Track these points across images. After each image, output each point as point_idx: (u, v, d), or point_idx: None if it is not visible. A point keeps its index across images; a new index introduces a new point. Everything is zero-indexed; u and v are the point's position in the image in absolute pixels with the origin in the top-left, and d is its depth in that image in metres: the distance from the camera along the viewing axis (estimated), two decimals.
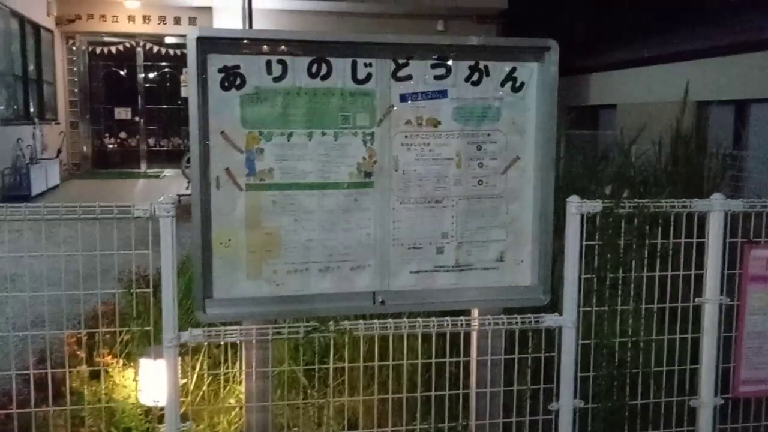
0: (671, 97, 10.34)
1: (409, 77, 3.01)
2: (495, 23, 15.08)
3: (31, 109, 12.97)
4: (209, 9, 14.12)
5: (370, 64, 2.96)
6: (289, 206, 2.97)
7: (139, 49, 14.97)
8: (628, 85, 14.55)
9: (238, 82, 2.85)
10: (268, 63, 2.87)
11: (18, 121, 12.08)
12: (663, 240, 3.29)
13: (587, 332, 3.26)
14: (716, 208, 3.28)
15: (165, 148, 15.48)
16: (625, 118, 13.73)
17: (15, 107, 12.23)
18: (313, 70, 2.91)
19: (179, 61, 15.04)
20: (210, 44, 2.79)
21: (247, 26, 9.23)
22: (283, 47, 2.88)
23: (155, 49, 14.96)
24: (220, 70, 2.83)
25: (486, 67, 3.06)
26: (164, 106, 15.44)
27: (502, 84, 3.09)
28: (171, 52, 15.00)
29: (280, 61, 2.88)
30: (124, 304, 3.87)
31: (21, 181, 11.58)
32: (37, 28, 13.14)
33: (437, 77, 3.03)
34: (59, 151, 13.68)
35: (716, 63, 11.90)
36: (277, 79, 2.89)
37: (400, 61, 2.99)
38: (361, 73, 2.96)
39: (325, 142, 2.97)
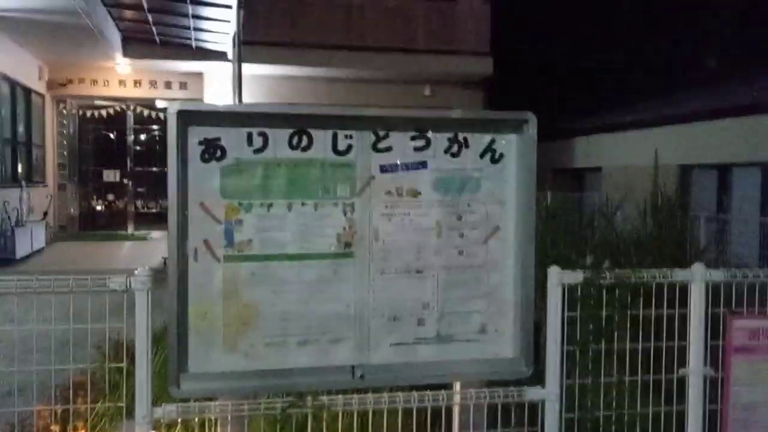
0: (653, 160, 10.51)
1: (389, 149, 3.02)
2: (480, 89, 15.33)
3: (19, 172, 12.97)
4: (200, 74, 14.32)
5: (351, 136, 2.98)
6: (268, 278, 2.94)
7: (129, 113, 15.10)
8: (612, 148, 14.75)
9: (218, 153, 2.86)
10: (249, 135, 2.88)
11: (5, 183, 12.07)
12: (645, 310, 3.27)
13: (571, 405, 3.20)
14: (697, 279, 3.28)
15: (153, 210, 15.49)
16: (610, 180, 13.88)
17: (2, 170, 12.24)
18: (294, 142, 2.93)
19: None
20: (190, 117, 2.80)
21: (236, 93, 9.36)
22: (263, 120, 2.90)
23: (145, 112, 15.11)
24: (200, 143, 2.84)
25: (465, 138, 3.09)
26: (153, 169, 15.50)
27: (482, 155, 3.11)
28: (161, 115, 15.13)
29: (261, 133, 2.89)
30: (99, 376, 3.79)
31: (6, 244, 11.50)
32: (28, 91, 13.26)
33: (417, 149, 3.05)
34: (45, 214, 13.64)
35: (699, 127, 12.10)
36: (257, 151, 2.89)
37: (380, 133, 3.01)
38: (342, 145, 2.98)
39: (305, 212, 2.96)
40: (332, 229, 2.99)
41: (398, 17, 14.35)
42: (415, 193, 3.06)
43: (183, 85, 14.58)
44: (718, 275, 3.31)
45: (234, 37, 11.71)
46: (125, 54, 13.00)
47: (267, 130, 2.90)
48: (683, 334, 3.29)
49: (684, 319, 3.30)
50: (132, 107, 15.03)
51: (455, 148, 3.08)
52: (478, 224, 3.12)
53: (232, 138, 2.87)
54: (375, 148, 3.01)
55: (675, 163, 11.98)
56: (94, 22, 10.49)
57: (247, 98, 10.91)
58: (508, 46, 15.65)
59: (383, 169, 3.03)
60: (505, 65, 14.77)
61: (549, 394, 3.17)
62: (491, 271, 3.15)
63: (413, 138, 3.05)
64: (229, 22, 11.29)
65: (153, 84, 14.56)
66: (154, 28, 12.19)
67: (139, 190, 15.48)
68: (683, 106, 12.80)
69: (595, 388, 3.25)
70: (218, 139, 2.85)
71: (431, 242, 3.08)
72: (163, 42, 12.91)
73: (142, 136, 15.45)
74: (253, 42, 10.95)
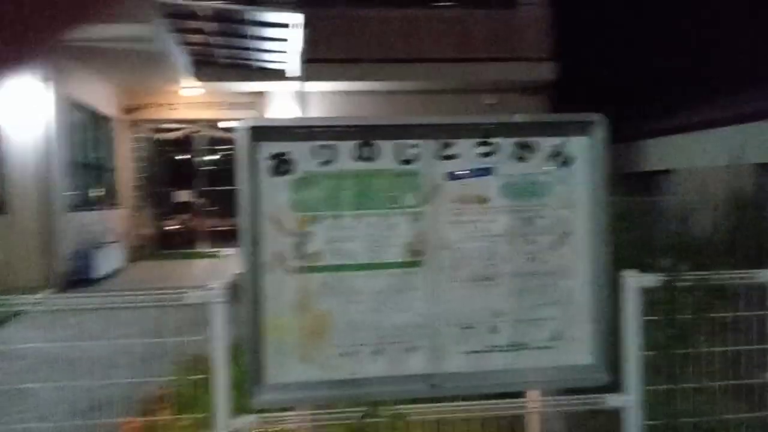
0: (727, 161, 10.17)
1: (455, 156, 3.02)
2: (544, 94, 15.14)
3: (96, 195, 13.46)
4: (263, 94, 14.60)
5: (416, 145, 2.99)
6: (339, 288, 2.97)
7: (198, 134, 15.51)
8: (684, 150, 14.34)
9: (288, 167, 2.91)
10: (317, 148, 2.93)
11: (83, 207, 12.53)
12: (726, 313, 3.16)
13: (653, 412, 3.12)
14: None
15: (224, 228, 15.81)
16: (682, 183, 13.49)
17: (82, 194, 12.72)
18: (360, 153, 2.96)
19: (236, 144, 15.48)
20: (260, 133, 2.87)
21: (301, 109, 9.51)
22: (330, 132, 2.94)
23: (213, 132, 15.48)
24: (270, 157, 2.90)
25: (532, 143, 3.06)
26: (222, 188, 15.84)
27: (550, 159, 3.07)
28: (228, 135, 15.49)
29: (328, 146, 2.93)
30: (179, 389, 3.89)
31: (86, 265, 11.92)
32: (102, 117, 13.78)
33: (483, 155, 3.04)
34: (123, 236, 14.09)
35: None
36: (325, 164, 2.94)
37: (446, 141, 3.01)
38: (408, 154, 2.99)
39: (374, 223, 2.98)
40: (401, 238, 3.00)
41: (456, 26, 14.33)
42: (484, 200, 3.04)
43: (248, 105, 14.87)
44: None
45: (296, 55, 11.94)
46: (192, 77, 13.36)
47: (334, 143, 2.94)
48: (765, 337, 3.17)
49: (764, 321, 3.18)
50: (200, 128, 15.44)
51: (522, 153, 3.06)
52: (549, 229, 3.08)
53: (300, 152, 2.92)
54: (441, 156, 3.01)
55: (747, 163, 11.58)
56: (163, 48, 10.83)
57: (310, 114, 11.07)
58: (574, 49, 15.43)
59: (450, 176, 3.02)
60: (571, 69, 14.55)
61: (629, 400, 3.10)
62: (564, 276, 3.10)
63: (479, 144, 3.04)
64: (287, 41, 11.50)
65: (219, 105, 14.92)
66: (218, 51, 12.50)
67: (210, 208, 15.84)
68: (757, 103, 12.36)
69: (676, 393, 3.15)
70: (287, 153, 2.91)
71: (501, 249, 3.06)
72: (227, 64, 13.22)
73: (211, 156, 15.84)
74: (314, 60, 11.11)
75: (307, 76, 10.37)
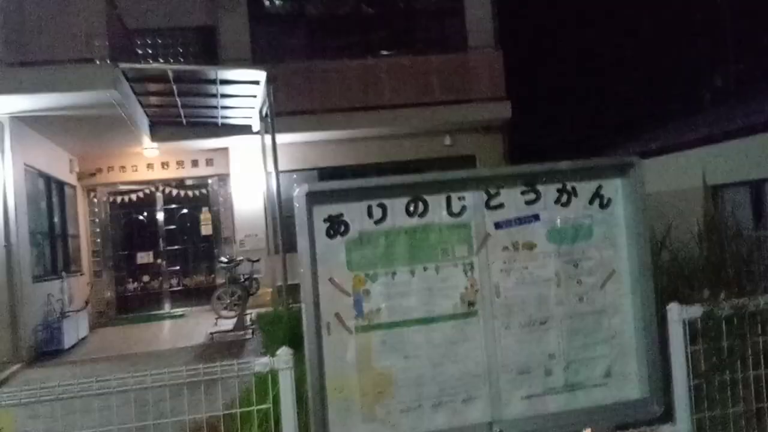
0: (690, 183, 10.55)
1: (501, 205, 3.10)
2: (500, 132, 15.50)
3: (59, 264, 13.12)
4: (225, 149, 14.57)
5: (464, 197, 3.06)
6: (398, 344, 2.99)
7: (158, 194, 15.32)
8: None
9: (342, 228, 2.94)
10: (369, 208, 2.97)
11: (47, 276, 12.19)
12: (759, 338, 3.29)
13: None
14: None
15: (187, 287, 15.56)
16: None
17: (44, 264, 12.38)
18: (411, 209, 3.01)
19: (198, 201, 15.36)
20: (315, 197, 2.90)
21: (272, 164, 9.54)
22: (381, 192, 2.99)
23: (174, 191, 15.31)
24: (325, 220, 2.92)
25: (573, 187, 3.17)
26: (185, 246, 15.63)
27: (590, 202, 3.18)
28: (190, 193, 15.34)
29: (380, 205, 2.98)
30: None
31: (53, 335, 11.57)
32: (61, 185, 13.50)
33: (528, 202, 3.13)
34: (87, 302, 13.73)
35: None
36: (378, 222, 2.98)
37: (492, 191, 3.09)
38: (456, 207, 3.06)
39: (428, 276, 3.02)
40: (455, 289, 3.05)
41: (413, 72, 14.62)
42: (531, 246, 3.12)
43: (209, 162, 14.81)
44: None
45: (260, 111, 11.99)
46: (153, 138, 13.26)
47: (385, 201, 2.99)
48: None
49: None
50: (161, 188, 15.25)
51: (564, 198, 3.16)
52: (594, 270, 3.17)
53: (353, 212, 2.95)
54: (488, 206, 3.09)
55: (704, 185, 12.02)
56: (127, 113, 10.74)
57: (274, 167, 11.04)
58: (528, 86, 15.90)
59: (498, 225, 3.10)
60: (525, 106, 14.96)
61: (681, 430, 3.17)
62: (611, 314, 3.19)
63: (523, 192, 3.13)
64: (254, 97, 11.55)
65: (180, 164, 14.80)
66: (181, 111, 12.46)
67: (173, 268, 15.58)
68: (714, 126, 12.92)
69: (725, 419, 3.25)
70: (341, 214, 2.94)
71: (551, 292, 3.13)
72: (190, 122, 13.18)
73: (172, 216, 15.63)
74: (277, 113, 11.16)
75: (272, 129, 10.41)
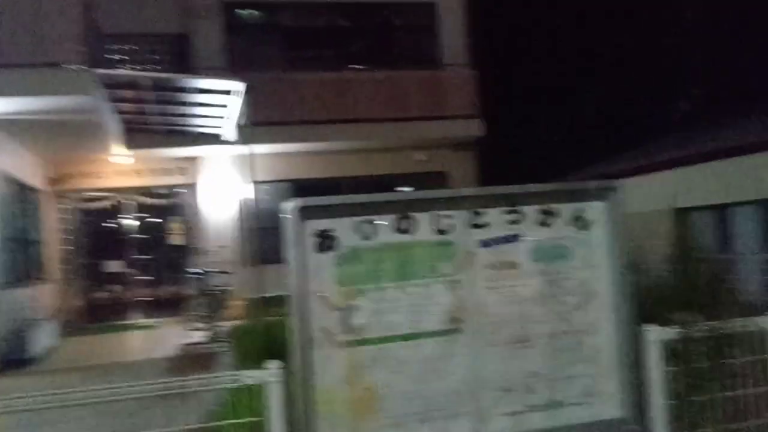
0: (655, 207, 10.77)
1: (486, 225, 3.17)
2: (471, 149, 15.66)
3: (27, 271, 12.90)
4: (198, 159, 14.50)
5: (450, 216, 3.13)
6: (385, 359, 3.04)
7: (130, 202, 15.17)
8: None
9: (332, 244, 2.98)
10: (359, 224, 3.02)
11: (15, 284, 11.98)
12: (737, 359, 3.40)
13: None
14: None
15: (158, 298, 15.39)
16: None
17: (11, 270, 12.17)
18: (400, 226, 3.07)
19: (170, 210, 15.23)
20: (307, 212, 2.94)
21: (246, 174, 9.54)
22: (371, 209, 3.04)
23: (146, 200, 15.17)
24: (315, 235, 2.97)
25: (555, 209, 3.25)
26: (156, 256, 15.48)
27: (571, 224, 3.27)
28: (162, 201, 15.22)
29: (370, 221, 3.03)
30: None
31: (20, 344, 11.36)
32: (30, 190, 13.30)
33: (512, 222, 3.21)
34: (55, 311, 13.52)
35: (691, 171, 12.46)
36: (367, 238, 3.03)
37: (477, 211, 3.16)
38: (443, 225, 3.12)
39: (415, 292, 3.08)
40: (441, 306, 3.11)
41: (388, 87, 14.73)
42: (515, 265, 3.20)
43: (182, 170, 14.70)
44: None
45: (234, 120, 11.97)
46: (126, 145, 13.14)
47: (375, 218, 3.04)
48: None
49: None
50: (133, 196, 15.11)
51: (546, 219, 3.24)
52: (575, 290, 3.26)
53: (343, 228, 3.00)
54: (474, 225, 3.16)
55: (672, 208, 12.28)
56: (100, 119, 10.65)
57: (247, 177, 11.03)
58: (501, 105, 16.12)
59: (483, 244, 3.17)
60: (496, 125, 15.15)
61: None
62: (591, 334, 3.27)
63: (507, 212, 3.20)
64: (226, 106, 11.53)
65: (152, 172, 14.67)
66: (153, 118, 12.38)
67: (144, 278, 15.41)
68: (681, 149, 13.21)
69: None
70: (332, 230, 2.99)
71: (534, 311, 3.21)
72: (163, 131, 13.10)
73: (144, 224, 15.47)
74: (252, 123, 11.15)
75: (245, 139, 10.42)
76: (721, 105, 15.61)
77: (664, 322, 3.43)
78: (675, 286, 6.13)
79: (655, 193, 12.43)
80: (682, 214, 12.17)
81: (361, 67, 15.27)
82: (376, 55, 15.52)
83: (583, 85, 17.20)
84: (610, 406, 3.27)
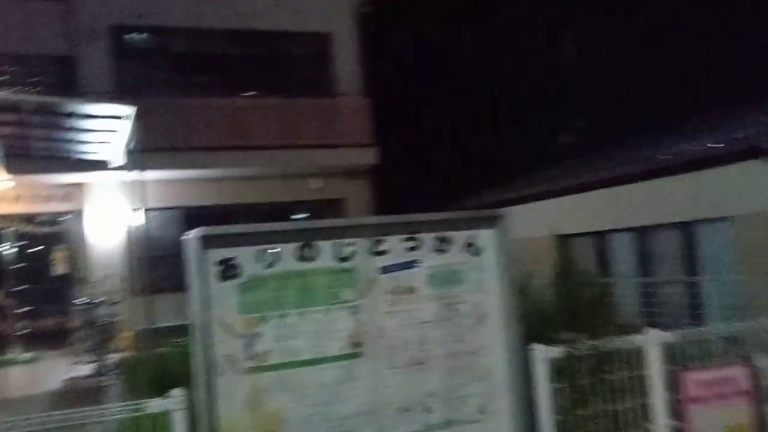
0: (539, 233, 11.28)
1: (385, 252, 3.31)
2: (366, 178, 15.89)
3: None
4: (84, 185, 13.99)
5: (352, 243, 3.24)
6: (289, 385, 3.09)
7: (9, 230, 14.41)
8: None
9: (234, 272, 3.02)
10: (261, 252, 3.08)
11: None
12: (617, 375, 3.67)
13: None
14: (654, 342, 3.73)
15: (39, 330, 14.63)
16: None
17: None
18: (302, 254, 3.15)
19: (52, 238, 14.58)
20: (209, 241, 2.97)
21: (135, 201, 9.32)
22: (273, 237, 3.11)
23: (27, 227, 14.46)
24: (217, 263, 3.00)
25: (449, 236, 3.43)
26: (37, 286, 14.74)
27: (465, 250, 3.45)
28: (44, 229, 14.54)
29: (272, 249, 3.09)
30: None
31: None
32: None
33: (410, 249, 3.36)
34: None
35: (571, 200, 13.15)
36: (269, 266, 3.09)
37: (378, 239, 3.29)
38: (345, 252, 3.23)
39: (317, 319, 3.16)
40: (342, 331, 3.20)
41: (282, 114, 14.75)
42: (413, 290, 3.34)
43: (66, 197, 14.14)
44: (670, 337, 3.77)
45: (123, 145, 11.66)
46: (6, 170, 12.52)
47: (277, 246, 3.11)
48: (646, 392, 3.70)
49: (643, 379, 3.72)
50: (13, 223, 14.36)
51: (442, 246, 3.41)
52: (469, 313, 3.44)
53: (246, 256, 3.05)
54: (374, 252, 3.28)
55: (555, 234, 12.89)
56: None
57: (136, 204, 10.76)
58: (396, 134, 16.47)
59: (383, 270, 3.30)
60: (391, 153, 15.46)
61: None
62: (484, 354, 3.45)
63: (406, 240, 3.35)
64: (114, 132, 11.24)
65: (34, 198, 14.03)
66: (37, 143, 11.89)
67: (23, 309, 14.61)
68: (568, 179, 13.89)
69: None
70: (234, 258, 3.03)
71: (431, 334, 3.36)
72: (47, 156, 12.57)
73: (24, 253, 14.71)
74: (142, 149, 10.92)
75: (135, 165, 10.18)
76: (602, 137, 16.57)
77: (550, 342, 3.66)
78: (560, 308, 6.51)
79: (541, 220, 13.02)
80: (565, 240, 12.82)
81: (255, 94, 15.25)
82: (270, 83, 15.53)
83: (475, 113, 17.87)
84: (503, 423, 3.45)
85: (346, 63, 16.00)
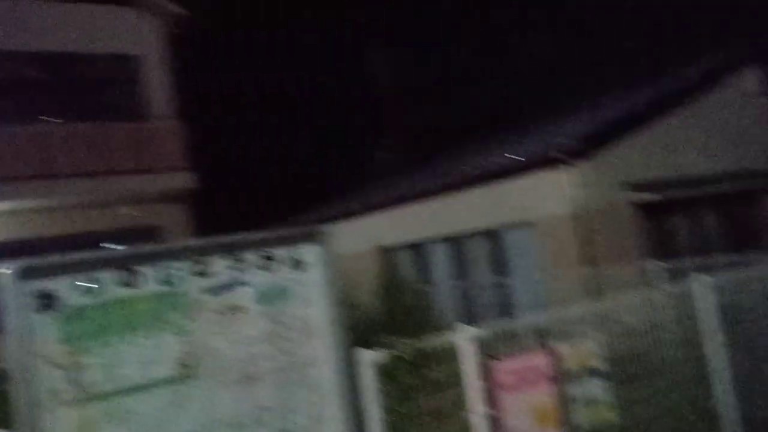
0: (364, 246, 11.71)
1: (211, 273, 3.36)
2: (185, 202, 15.54)
3: None
4: None
5: (175, 267, 3.26)
6: (119, 414, 3.05)
7: None
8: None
9: (54, 303, 2.95)
10: (81, 281, 3.02)
11: None
12: (435, 371, 3.96)
13: None
14: (468, 337, 4.06)
15: None
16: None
17: None
18: (124, 280, 3.13)
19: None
20: (25, 272, 2.88)
21: None
22: (93, 265, 3.07)
23: None
24: (36, 295, 2.91)
25: (275, 254, 3.54)
26: None
27: (290, 267, 3.59)
28: None
29: (92, 278, 3.05)
30: None
31: None
32: None
33: (235, 269, 3.43)
34: None
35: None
36: (90, 295, 3.04)
37: (202, 260, 3.34)
38: (168, 275, 3.24)
39: (143, 344, 3.14)
40: (171, 355, 3.21)
41: (89, 141, 14.08)
42: (241, 309, 3.42)
43: None
44: (482, 332, 4.13)
45: None
46: None
47: (98, 274, 3.06)
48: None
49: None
50: None
51: (268, 264, 3.52)
52: (298, 327, 3.56)
53: (66, 287, 2.98)
54: (199, 273, 3.33)
55: (379, 247, 13.40)
56: None
57: None
58: (216, 157, 16.28)
59: (209, 291, 3.35)
60: (211, 176, 15.26)
61: None
62: (315, 365, 3.59)
63: (231, 260, 3.42)
64: None
65: None
66: None
67: None
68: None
69: None
70: (53, 290, 2.95)
71: (261, 350, 3.44)
72: None
73: None
74: None
75: None
76: (418, 152, 17.41)
77: (375, 347, 3.88)
78: (383, 315, 6.84)
79: (365, 234, 13.46)
80: (387, 252, 13.35)
81: (61, 120, 14.43)
82: (77, 108, 14.77)
83: (294, 133, 18.11)
84: (335, 428, 3.60)
85: (158, 85, 15.59)
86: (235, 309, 3.40)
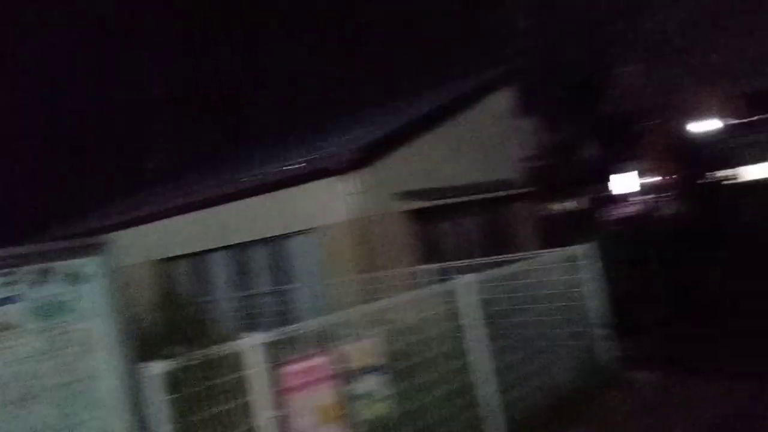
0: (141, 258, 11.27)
1: None
2: None
3: None
4: None
5: None
6: None
7: None
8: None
9: None
10: None
11: None
12: (222, 378, 4.02)
13: None
14: (257, 342, 4.16)
15: None
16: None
17: None
18: None
19: None
20: None
21: None
22: None
23: None
24: None
25: (51, 268, 3.42)
26: None
27: (70, 279, 3.48)
28: None
29: None
30: None
31: None
32: None
33: (6, 284, 3.27)
34: None
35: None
36: None
37: None
38: None
39: None
40: None
41: None
42: (15, 326, 3.26)
43: None
44: (266, 338, 4.24)
45: None
46: None
47: None
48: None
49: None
50: None
51: (43, 278, 3.39)
52: (78, 341, 3.47)
53: None
54: None
55: (156, 259, 12.93)
56: None
57: None
58: None
59: None
60: None
61: None
62: (99, 379, 3.51)
63: (2, 275, 3.25)
64: None
65: None
66: None
67: None
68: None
69: None
70: None
71: (39, 367, 3.31)
72: None
73: None
74: None
75: None
76: (197, 159, 17.05)
77: (159, 359, 3.86)
78: (166, 326, 6.72)
79: (146, 245, 12.91)
80: (168, 263, 12.91)
81: None
82: None
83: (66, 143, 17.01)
84: None
85: None
86: (7, 326, 3.24)
